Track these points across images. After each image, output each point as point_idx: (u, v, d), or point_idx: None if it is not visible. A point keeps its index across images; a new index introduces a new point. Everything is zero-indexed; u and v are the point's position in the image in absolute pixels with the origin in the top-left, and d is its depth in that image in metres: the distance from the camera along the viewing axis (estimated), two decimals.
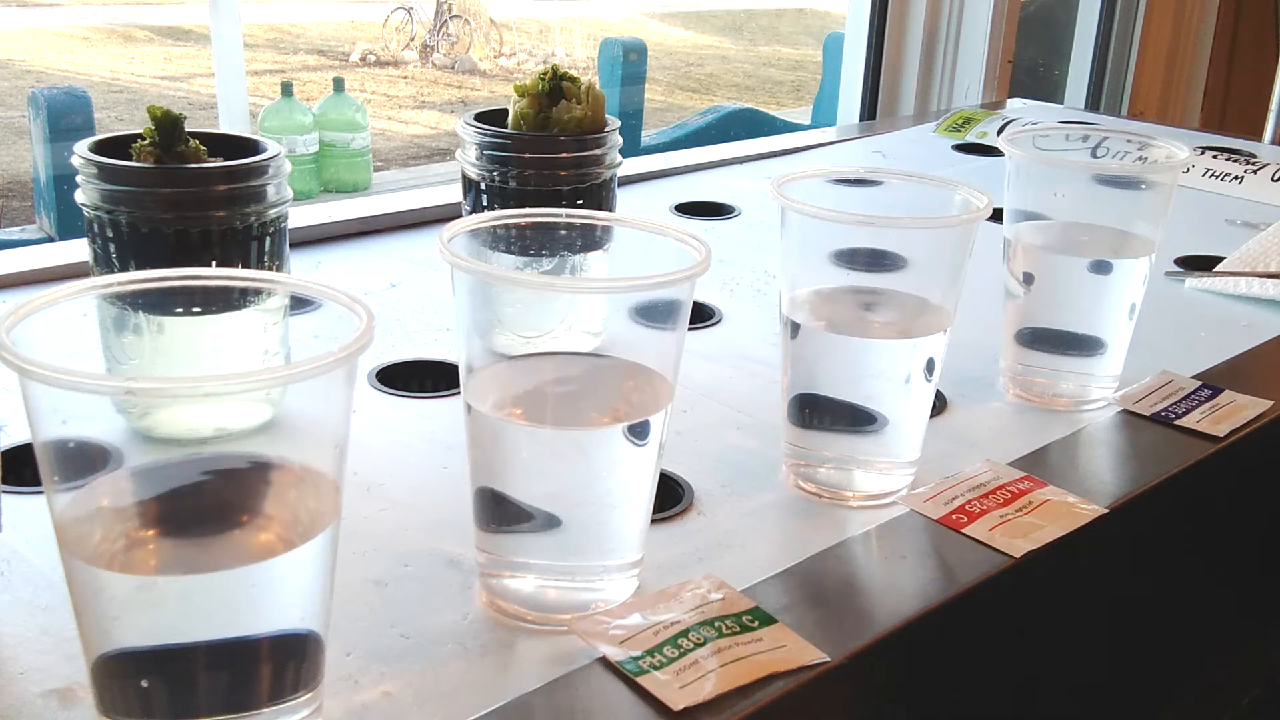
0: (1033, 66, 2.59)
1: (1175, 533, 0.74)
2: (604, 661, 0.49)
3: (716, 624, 0.51)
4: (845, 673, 0.50)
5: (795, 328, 0.61)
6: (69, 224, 2.65)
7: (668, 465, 0.64)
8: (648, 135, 3.93)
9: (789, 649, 0.50)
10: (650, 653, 0.49)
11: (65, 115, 2.93)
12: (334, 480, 0.41)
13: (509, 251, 0.58)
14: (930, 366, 0.61)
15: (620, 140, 0.75)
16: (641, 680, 0.47)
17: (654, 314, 0.49)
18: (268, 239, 0.60)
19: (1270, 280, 0.96)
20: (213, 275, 0.48)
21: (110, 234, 0.58)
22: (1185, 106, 2.67)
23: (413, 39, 7.90)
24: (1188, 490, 0.70)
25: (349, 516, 0.56)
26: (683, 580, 0.54)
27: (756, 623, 0.51)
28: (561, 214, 0.56)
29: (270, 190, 0.60)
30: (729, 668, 0.48)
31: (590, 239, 0.58)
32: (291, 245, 0.67)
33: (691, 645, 0.49)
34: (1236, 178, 1.26)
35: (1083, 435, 0.72)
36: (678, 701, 0.46)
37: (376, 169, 4.54)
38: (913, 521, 0.61)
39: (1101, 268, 0.72)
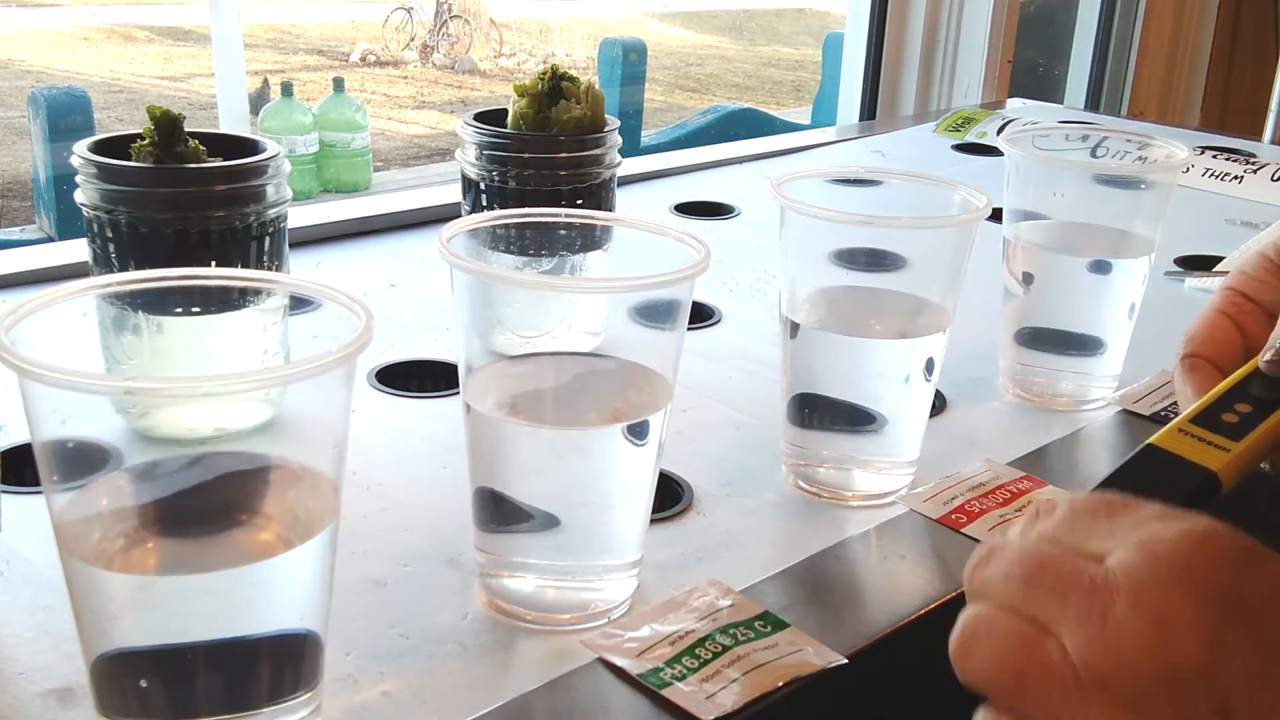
0: (1033, 66, 2.59)
1: None
2: (617, 671, 0.48)
3: (730, 631, 0.50)
4: (846, 673, 0.50)
5: (795, 327, 0.61)
6: (69, 224, 2.66)
7: (668, 465, 0.64)
8: (647, 135, 3.93)
9: (806, 653, 0.50)
10: (670, 664, 0.48)
11: (65, 115, 2.93)
12: (333, 480, 0.41)
13: (508, 251, 0.58)
14: (930, 366, 0.61)
15: (620, 140, 0.75)
16: (666, 693, 0.47)
17: (653, 314, 0.49)
18: (267, 239, 0.61)
19: None
20: (212, 275, 0.48)
21: (110, 234, 0.58)
22: (1185, 106, 2.68)
23: (413, 39, 7.90)
24: None
25: (348, 516, 0.56)
26: (687, 587, 0.54)
27: (769, 628, 0.51)
28: (561, 214, 0.56)
29: (270, 190, 0.60)
30: (751, 675, 0.48)
31: (590, 239, 0.58)
32: (291, 245, 0.67)
33: (710, 655, 0.49)
34: (1236, 178, 1.26)
35: (1082, 435, 0.72)
36: (707, 712, 0.46)
37: (376, 169, 4.54)
38: (912, 521, 0.61)
39: (1101, 267, 0.72)
